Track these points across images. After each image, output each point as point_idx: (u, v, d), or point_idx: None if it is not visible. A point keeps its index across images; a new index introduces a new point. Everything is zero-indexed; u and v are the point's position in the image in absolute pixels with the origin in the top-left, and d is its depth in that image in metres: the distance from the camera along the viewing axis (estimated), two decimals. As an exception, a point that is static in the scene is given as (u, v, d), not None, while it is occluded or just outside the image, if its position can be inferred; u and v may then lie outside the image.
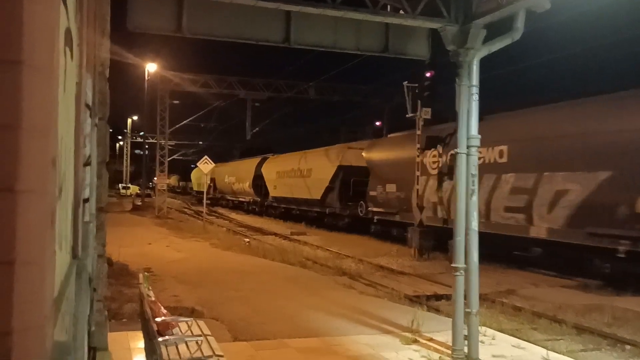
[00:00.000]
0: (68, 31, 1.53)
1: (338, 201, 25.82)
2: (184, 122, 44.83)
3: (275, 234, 23.89)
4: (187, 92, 32.97)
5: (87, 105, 3.28)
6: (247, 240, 20.58)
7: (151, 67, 32.35)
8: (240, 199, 42.66)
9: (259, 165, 37.19)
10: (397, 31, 7.75)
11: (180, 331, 4.94)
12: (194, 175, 60.75)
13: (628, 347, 7.88)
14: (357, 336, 7.08)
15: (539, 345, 6.99)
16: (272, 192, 34.96)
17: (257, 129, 42.43)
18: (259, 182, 36.76)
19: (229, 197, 46.52)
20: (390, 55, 8.03)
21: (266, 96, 33.97)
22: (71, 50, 1.70)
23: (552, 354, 6.40)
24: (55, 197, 1.07)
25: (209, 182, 39.41)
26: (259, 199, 37.25)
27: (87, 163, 3.59)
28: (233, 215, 37.17)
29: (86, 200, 3.38)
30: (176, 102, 37.23)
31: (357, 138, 28.41)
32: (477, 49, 6.48)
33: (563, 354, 6.72)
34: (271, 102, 37.04)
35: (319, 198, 27.24)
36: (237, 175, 42.72)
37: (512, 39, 6.45)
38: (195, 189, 60.85)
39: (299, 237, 22.70)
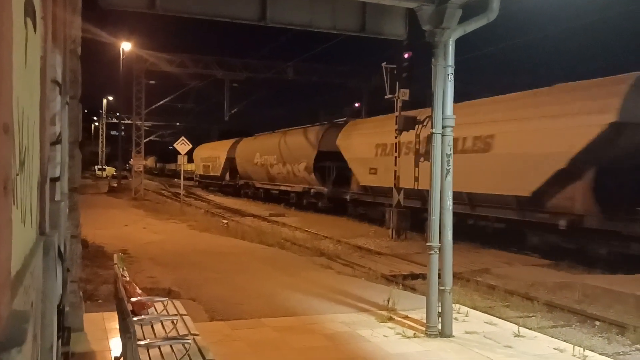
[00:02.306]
0: (29, 2, 1.49)
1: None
2: (161, 102, 44.23)
3: (254, 216, 23.88)
4: (164, 72, 32.46)
5: (55, 82, 3.22)
6: (225, 221, 20.55)
7: (126, 46, 31.72)
8: (286, 188, 29.56)
9: (329, 136, 25.18)
10: (374, 10, 7.71)
11: (156, 311, 4.93)
12: (198, 154, 48.03)
13: (597, 323, 8.12)
14: (334, 315, 7.15)
15: (510, 322, 7.15)
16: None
17: (235, 110, 42.03)
18: (324, 163, 25.40)
19: (261, 185, 33.60)
20: (367, 35, 8.00)
21: (244, 77, 33.61)
22: (34, 23, 1.66)
23: (523, 330, 6.55)
24: (10, 165, 1.05)
25: (223, 163, 38.32)
26: (328, 190, 25.05)
27: (57, 141, 3.53)
28: (211, 197, 36.98)
29: (56, 179, 3.33)
30: (152, 82, 36.61)
31: (337, 119, 28.30)
32: (453, 29, 6.49)
33: (534, 330, 6.88)
34: (249, 83, 36.72)
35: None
36: (282, 153, 29.52)
37: (487, 19, 6.47)
38: (200, 172, 49.28)
39: (277, 218, 22.72)
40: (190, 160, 45.04)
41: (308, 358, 5.59)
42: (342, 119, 27.41)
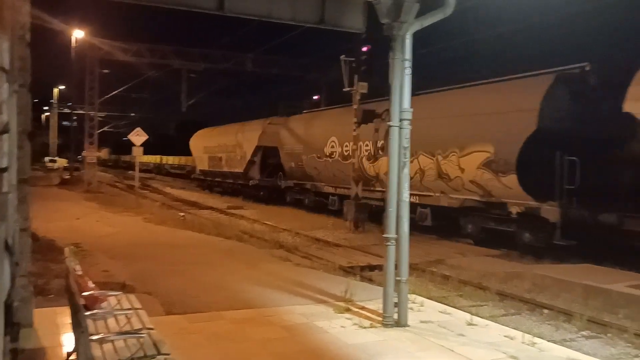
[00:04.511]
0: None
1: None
2: (115, 92, 43.09)
3: (212, 208, 23.64)
4: (119, 61, 31.61)
5: (2, 69, 3.10)
6: (182, 214, 20.27)
7: (78, 34, 30.72)
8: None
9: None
10: (333, 3, 7.74)
11: (110, 305, 4.83)
12: (200, 143, 36.50)
13: (546, 311, 8.43)
14: (292, 306, 7.17)
15: (463, 311, 7.34)
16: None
17: (193, 100, 41.36)
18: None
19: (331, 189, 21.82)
20: (326, 27, 8.02)
21: (202, 67, 33.12)
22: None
23: (475, 319, 6.74)
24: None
25: (250, 154, 27.75)
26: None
27: (4, 131, 3.40)
28: (168, 189, 36.38)
29: (3, 170, 3.21)
30: (106, 71, 35.63)
31: (296, 112, 28.28)
32: (410, 23, 6.56)
33: (486, 319, 7.09)
34: (208, 74, 36.19)
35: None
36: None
37: (443, 14, 6.57)
38: (205, 167, 35.59)
39: (236, 211, 22.56)
40: (178, 150, 42.56)
41: (266, 350, 5.60)
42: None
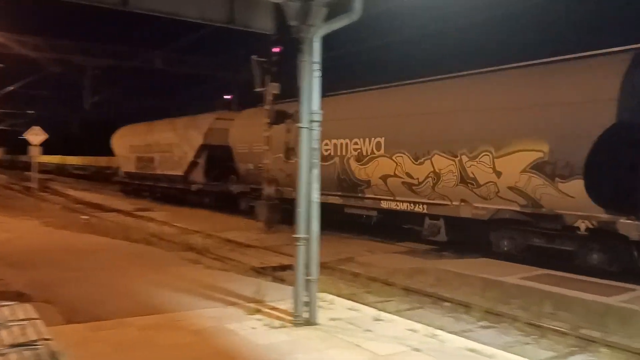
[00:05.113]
0: None
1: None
2: (11, 88, 40.12)
3: (118, 211, 22.69)
4: (16, 55, 29.49)
5: None
6: (86, 217, 19.33)
7: (-33, 24, 28.32)
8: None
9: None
10: (243, 3, 7.70)
11: (3, 317, 4.55)
12: (124, 141, 32.60)
13: (447, 304, 8.90)
14: (202, 310, 7.08)
15: (371, 307, 7.59)
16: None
17: (97, 98, 39.42)
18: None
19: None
20: (235, 27, 7.96)
21: (107, 64, 31.72)
22: None
23: (382, 314, 7.01)
24: None
25: (193, 154, 24.26)
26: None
27: None
28: (70, 191, 34.45)
29: None
30: (1, 65, 33.14)
31: (207, 111, 27.73)
32: (318, 27, 6.69)
33: (392, 314, 7.38)
34: (114, 71, 34.72)
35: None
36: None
37: (350, 19, 6.74)
38: (130, 168, 31.28)
39: (144, 213, 21.81)
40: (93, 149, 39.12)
41: (173, 355, 5.49)
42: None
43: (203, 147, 24.01)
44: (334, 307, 7.35)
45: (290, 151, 17.18)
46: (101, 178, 44.02)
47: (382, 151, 14.56)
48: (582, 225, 10.51)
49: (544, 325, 7.60)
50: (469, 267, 10.59)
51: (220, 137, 22.61)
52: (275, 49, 17.37)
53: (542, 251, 11.64)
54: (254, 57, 17.76)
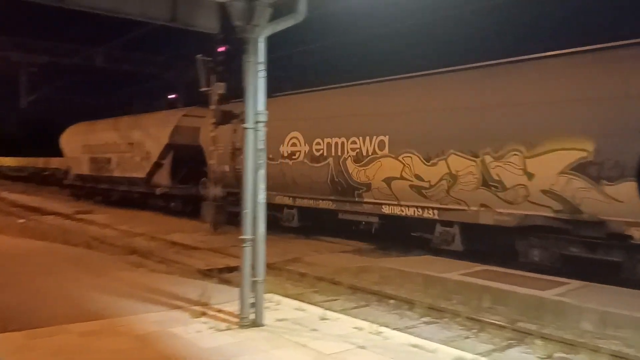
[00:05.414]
0: None
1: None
2: None
3: (57, 214, 21.86)
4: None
5: None
6: (22, 220, 18.53)
7: None
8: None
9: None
10: (186, 1, 7.58)
11: None
12: (74, 140, 30.22)
13: (392, 301, 9.07)
14: (145, 314, 6.94)
15: (318, 306, 7.65)
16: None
17: (34, 96, 37.79)
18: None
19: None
20: (179, 26, 7.82)
21: (45, 60, 30.49)
22: None
23: (328, 313, 7.08)
24: None
25: (157, 155, 22.25)
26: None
27: None
28: (4, 194, 32.87)
29: None
30: None
31: (152, 111, 27.07)
32: (263, 27, 6.69)
33: (338, 312, 7.47)
34: (53, 68, 33.37)
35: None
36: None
37: (295, 20, 6.78)
38: (82, 170, 28.94)
39: (85, 216, 21.11)
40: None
41: (115, 361, 5.36)
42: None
43: (168, 147, 21.95)
44: (280, 307, 7.36)
45: (237, 152, 17.02)
46: (39, 180, 42.15)
47: (385, 151, 12.97)
48: (637, 233, 9.31)
49: (483, 319, 7.88)
50: (412, 265, 10.82)
51: (189, 136, 20.88)
52: (221, 49, 17.18)
53: (580, 262, 10.46)
54: (199, 56, 17.52)
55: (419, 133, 12.40)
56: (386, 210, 13.35)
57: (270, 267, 10.61)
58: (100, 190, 27.59)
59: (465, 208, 11.71)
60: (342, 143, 14.06)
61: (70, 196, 30.34)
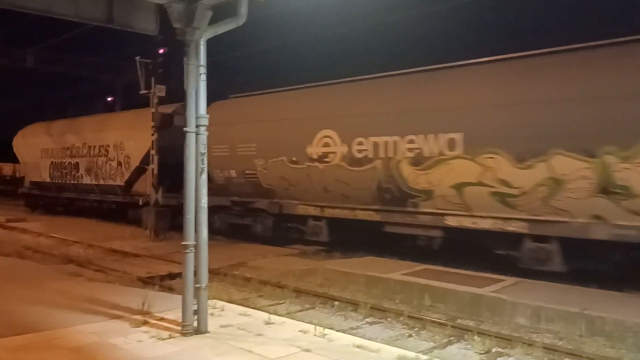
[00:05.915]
0: None
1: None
2: None
3: (-15, 223, 20.72)
4: None
5: None
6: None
7: None
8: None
9: None
10: (123, 2, 7.39)
11: None
12: (28, 144, 27.27)
13: (336, 303, 9.15)
14: (82, 326, 6.68)
15: (263, 311, 7.61)
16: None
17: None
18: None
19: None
20: (116, 27, 7.61)
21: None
22: None
23: (273, 317, 7.04)
24: None
25: (140, 159, 19.29)
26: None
27: None
28: None
29: None
30: None
31: (88, 114, 26.14)
32: (204, 30, 6.60)
33: (283, 316, 7.45)
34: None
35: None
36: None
37: (236, 23, 6.72)
38: (39, 178, 26.27)
39: (16, 224, 20.13)
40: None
41: (50, 376, 5.13)
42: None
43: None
44: (224, 313, 7.27)
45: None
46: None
47: (458, 151, 10.78)
48: None
49: (425, 317, 8.08)
50: (355, 266, 10.96)
51: (179, 136, 18.25)
52: (161, 50, 16.82)
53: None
54: (138, 58, 17.08)
55: (507, 129, 10.16)
56: (451, 222, 11.16)
57: (214, 272, 10.50)
58: (63, 199, 24.71)
59: (568, 220, 9.69)
60: (395, 142, 11.76)
61: (25, 207, 27.50)
